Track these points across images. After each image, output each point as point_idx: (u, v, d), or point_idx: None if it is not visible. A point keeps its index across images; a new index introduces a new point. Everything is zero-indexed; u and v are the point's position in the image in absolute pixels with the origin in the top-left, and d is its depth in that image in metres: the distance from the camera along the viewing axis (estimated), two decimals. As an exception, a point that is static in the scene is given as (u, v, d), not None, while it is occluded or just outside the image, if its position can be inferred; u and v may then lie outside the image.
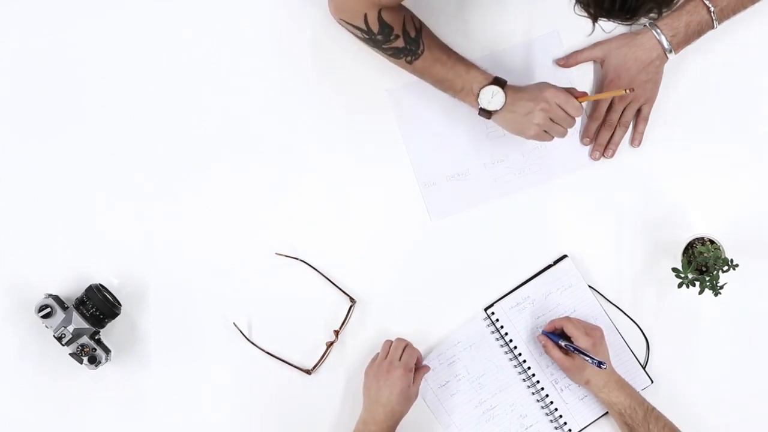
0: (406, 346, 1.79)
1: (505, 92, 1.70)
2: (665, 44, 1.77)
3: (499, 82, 1.71)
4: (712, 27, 1.77)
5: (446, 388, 1.83)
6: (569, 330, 1.75)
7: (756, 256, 1.80)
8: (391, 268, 1.84)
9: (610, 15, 1.39)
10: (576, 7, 1.42)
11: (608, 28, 1.50)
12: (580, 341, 1.73)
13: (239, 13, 1.85)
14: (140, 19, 1.85)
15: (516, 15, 1.84)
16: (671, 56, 1.78)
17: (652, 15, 1.39)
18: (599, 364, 1.70)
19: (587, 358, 1.71)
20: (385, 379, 1.74)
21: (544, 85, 1.70)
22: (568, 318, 1.78)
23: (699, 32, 1.77)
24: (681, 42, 1.78)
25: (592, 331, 1.75)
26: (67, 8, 1.84)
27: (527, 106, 1.69)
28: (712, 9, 1.75)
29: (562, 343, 1.75)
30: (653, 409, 1.73)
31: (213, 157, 1.84)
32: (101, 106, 1.84)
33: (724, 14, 1.77)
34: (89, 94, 1.84)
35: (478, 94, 1.71)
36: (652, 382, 1.82)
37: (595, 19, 1.41)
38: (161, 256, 1.83)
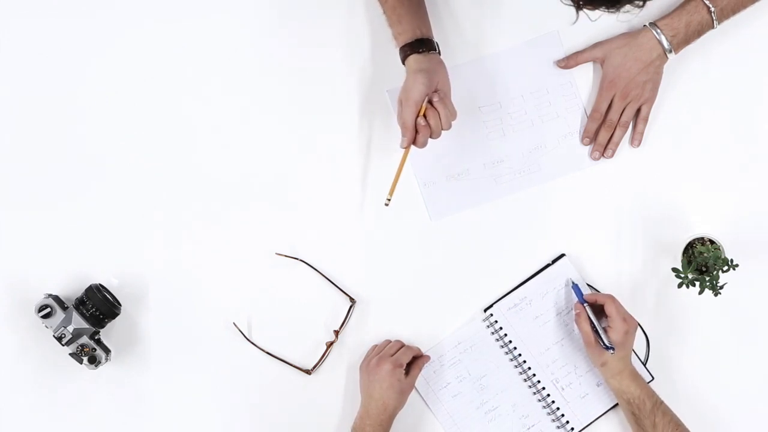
0: (403, 345, 1.80)
1: (405, 65, 1.72)
2: (665, 44, 1.77)
3: (413, 46, 1.71)
4: (712, 27, 1.77)
5: (448, 389, 1.83)
6: (609, 309, 1.74)
7: (756, 256, 1.80)
8: (391, 268, 1.84)
9: (593, 1, 1.38)
10: None
11: (596, 17, 1.48)
12: (616, 323, 1.73)
13: (237, 15, 1.85)
14: (140, 22, 1.85)
15: (516, 15, 1.84)
16: (671, 56, 1.78)
17: (637, 1, 1.38)
18: (607, 347, 1.71)
19: (601, 340, 1.72)
20: (374, 373, 1.74)
21: (404, 92, 1.70)
22: (612, 297, 1.77)
23: (699, 32, 1.78)
24: (681, 42, 1.78)
25: (630, 319, 1.75)
26: (65, 8, 1.85)
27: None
28: (712, 9, 1.75)
29: (592, 318, 1.75)
30: (662, 402, 1.73)
31: (212, 157, 1.84)
32: (101, 106, 1.84)
33: (724, 14, 1.77)
34: (88, 94, 1.84)
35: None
36: (653, 378, 1.81)
37: (579, 7, 1.40)
38: (161, 256, 1.83)
